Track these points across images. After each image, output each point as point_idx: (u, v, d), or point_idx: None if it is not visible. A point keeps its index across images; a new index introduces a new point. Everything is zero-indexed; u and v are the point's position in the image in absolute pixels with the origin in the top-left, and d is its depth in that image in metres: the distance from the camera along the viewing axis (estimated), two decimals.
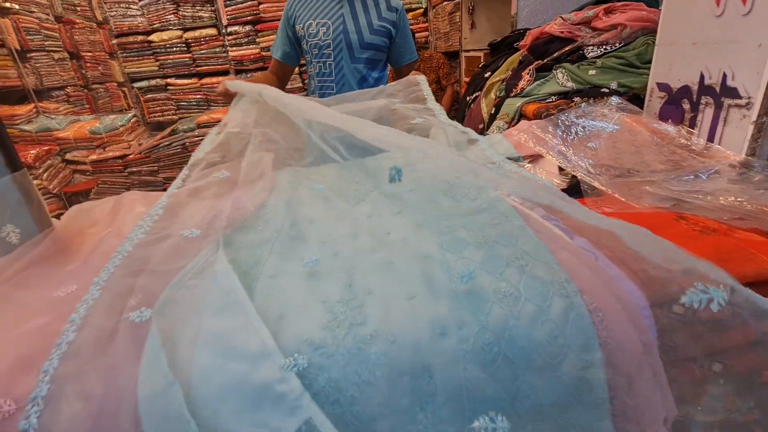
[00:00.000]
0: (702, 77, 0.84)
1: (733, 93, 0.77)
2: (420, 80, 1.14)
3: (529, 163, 0.86)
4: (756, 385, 0.47)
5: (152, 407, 0.41)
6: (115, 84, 5.23)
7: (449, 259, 0.52)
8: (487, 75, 1.47)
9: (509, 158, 0.86)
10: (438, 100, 3.14)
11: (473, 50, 2.72)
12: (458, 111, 1.59)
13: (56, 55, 4.13)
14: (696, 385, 0.46)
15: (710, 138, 0.84)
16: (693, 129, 0.88)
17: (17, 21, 3.60)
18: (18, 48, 3.57)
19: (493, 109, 1.30)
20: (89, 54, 4.82)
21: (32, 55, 3.79)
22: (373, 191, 0.78)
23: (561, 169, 0.83)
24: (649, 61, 1.00)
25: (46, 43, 4.01)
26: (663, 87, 0.95)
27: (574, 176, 0.78)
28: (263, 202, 0.76)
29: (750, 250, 0.47)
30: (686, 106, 0.90)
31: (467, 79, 2.81)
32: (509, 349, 0.42)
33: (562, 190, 0.76)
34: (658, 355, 0.43)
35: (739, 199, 0.62)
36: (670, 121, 0.93)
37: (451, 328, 0.43)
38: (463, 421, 0.41)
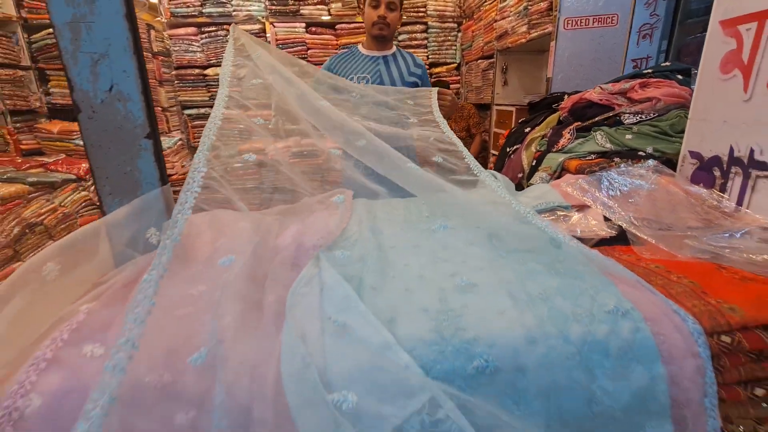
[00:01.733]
0: (731, 150, 0.96)
1: (762, 166, 0.89)
2: (432, 91, 1.38)
3: (576, 212, 0.98)
4: None
5: (294, 383, 0.51)
6: (160, 109, 5.59)
7: (528, 285, 0.63)
8: (527, 130, 1.63)
9: (560, 207, 0.99)
10: (467, 146, 3.34)
11: (504, 104, 2.93)
12: (498, 159, 1.74)
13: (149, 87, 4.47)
14: (740, 406, 0.55)
15: (739, 202, 0.95)
16: (723, 193, 0.99)
17: None
18: None
19: (534, 161, 1.44)
20: None
21: None
22: (443, 226, 0.89)
23: (606, 219, 0.94)
24: (682, 131, 1.13)
25: None
26: (695, 155, 1.08)
27: (619, 226, 0.89)
28: (347, 226, 0.89)
29: None
30: (717, 173, 1.02)
31: (497, 130, 3.00)
32: (588, 359, 0.52)
33: (611, 238, 0.87)
34: (712, 378, 0.52)
35: None
36: (701, 185, 1.05)
37: (539, 338, 0.53)
38: (549, 414, 0.50)
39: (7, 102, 3.25)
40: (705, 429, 0.52)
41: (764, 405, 0.54)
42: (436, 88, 1.42)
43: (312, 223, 0.93)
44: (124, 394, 0.49)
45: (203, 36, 3.67)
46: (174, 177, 3.43)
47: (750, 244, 0.79)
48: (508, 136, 1.76)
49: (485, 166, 1.75)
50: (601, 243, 0.86)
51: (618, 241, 0.88)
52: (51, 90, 3.65)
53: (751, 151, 0.91)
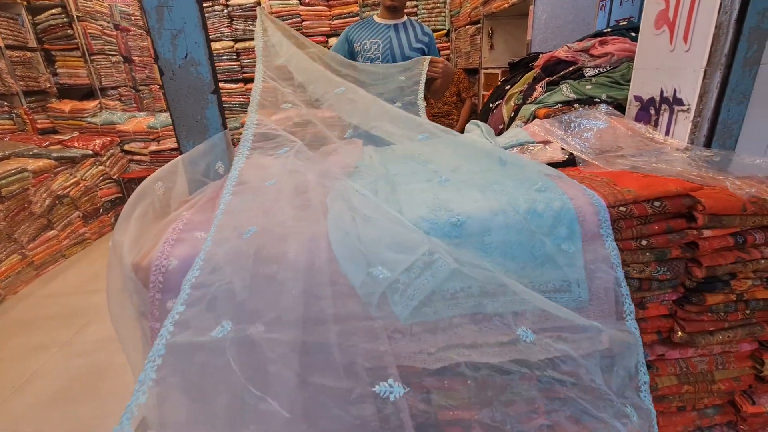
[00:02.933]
0: (662, 91, 1.22)
1: (680, 102, 1.15)
2: (425, 59, 1.62)
3: (540, 144, 1.24)
4: (668, 257, 0.83)
5: (340, 246, 0.78)
6: (158, 86, 5.72)
7: (495, 188, 0.90)
8: (507, 87, 1.87)
9: (527, 142, 1.25)
10: (458, 111, 3.56)
11: (491, 68, 3.14)
12: (482, 114, 1.98)
13: (113, 59, 4.60)
14: (632, 253, 0.83)
15: (667, 132, 1.21)
16: (656, 127, 1.25)
17: (85, 27, 4.07)
18: (85, 50, 4.03)
19: (513, 113, 1.69)
20: (138, 58, 5.32)
21: (95, 57, 4.25)
22: (434, 158, 1.16)
23: (563, 149, 1.20)
24: (629, 80, 1.38)
25: (106, 47, 4.47)
26: (638, 98, 1.33)
27: (571, 153, 1.16)
28: (360, 161, 1.15)
29: (666, 182, 0.84)
30: (652, 111, 1.27)
31: (486, 92, 3.22)
32: (532, 221, 0.79)
33: (564, 161, 1.14)
34: (610, 230, 0.80)
35: (674, 167, 0.99)
36: (642, 122, 1.31)
37: (499, 212, 0.81)
38: (505, 258, 0.78)
39: (20, 83, 3.42)
40: (605, 263, 0.80)
41: (648, 253, 0.83)
42: (428, 57, 1.64)
43: (334, 160, 1.19)
44: (227, 252, 0.76)
45: None
46: None
47: (662, 158, 1.06)
48: (491, 93, 2.00)
49: (484, 122, 2.02)
50: (556, 166, 1.13)
51: (570, 163, 1.15)
52: (58, 70, 3.80)
53: (674, 91, 1.17)
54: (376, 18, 2.00)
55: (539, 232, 0.79)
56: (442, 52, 4.02)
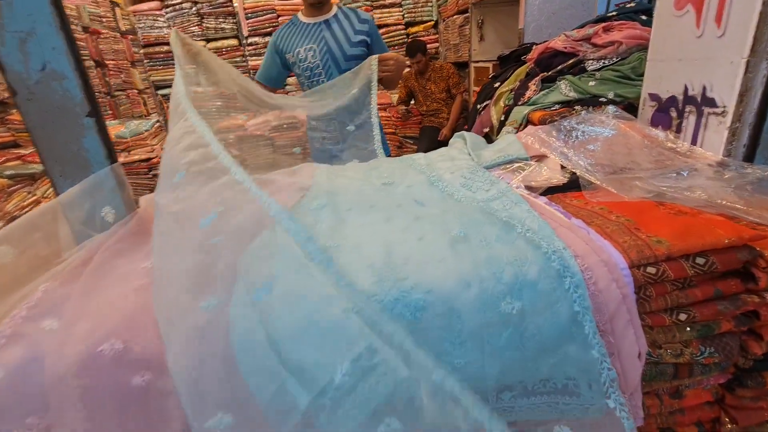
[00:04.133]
0: (686, 89, 0.96)
1: (711, 102, 0.89)
2: (373, 63, 1.39)
3: (535, 161, 0.99)
4: (715, 332, 0.59)
5: (243, 351, 0.54)
6: (136, 91, 5.46)
7: (470, 234, 0.65)
8: (496, 85, 1.61)
9: (519, 159, 1.00)
10: (448, 108, 3.29)
11: (482, 61, 2.87)
12: (468, 117, 1.72)
13: (84, 64, 4.33)
14: (665, 331, 0.58)
15: (693, 141, 0.96)
16: (678, 134, 1.00)
17: None
18: None
19: (503, 116, 1.43)
20: (113, 62, 5.05)
21: None
22: (401, 185, 0.91)
23: (563, 167, 0.95)
24: (642, 74, 1.13)
25: None
26: (654, 97, 1.08)
27: (573, 173, 0.91)
28: (306, 195, 0.90)
29: (711, 226, 0.60)
30: (673, 113, 1.02)
31: (476, 89, 2.95)
32: (518, 297, 0.55)
33: (563, 185, 0.88)
34: (634, 304, 0.55)
35: (711, 194, 0.74)
36: (659, 127, 1.05)
37: (474, 282, 0.56)
38: (483, 352, 0.54)
39: None
40: (630, 352, 0.55)
41: (688, 329, 0.58)
42: (376, 57, 1.39)
43: (273, 194, 0.94)
44: (84, 361, 0.52)
45: (168, 10, 3.52)
46: (155, 161, 3.39)
47: (695, 181, 0.80)
48: (479, 93, 1.74)
49: (470, 127, 1.75)
50: (555, 190, 0.88)
51: (572, 187, 0.90)
52: None
53: (703, 88, 0.91)
54: (302, 17, 1.67)
55: (532, 311, 0.54)
56: (430, 46, 3.74)
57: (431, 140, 3.20)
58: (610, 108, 1.11)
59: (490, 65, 2.68)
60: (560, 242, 0.59)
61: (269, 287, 0.59)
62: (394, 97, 3.63)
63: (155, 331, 0.56)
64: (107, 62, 4.94)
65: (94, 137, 0.73)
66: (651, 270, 0.56)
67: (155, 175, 3.43)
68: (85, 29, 4.54)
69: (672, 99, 1.02)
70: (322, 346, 0.53)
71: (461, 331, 0.54)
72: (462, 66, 3.38)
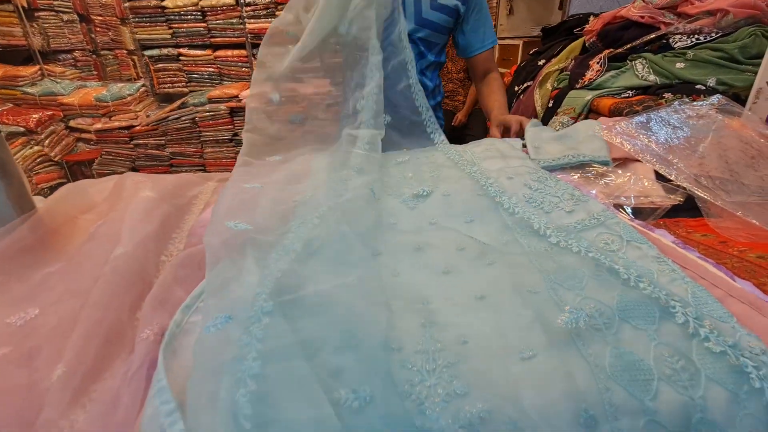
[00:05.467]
0: None
1: None
2: None
3: (617, 165, 0.71)
4: None
5: None
6: (125, 51, 5.05)
7: (567, 298, 0.37)
8: (540, 62, 1.31)
9: (596, 161, 0.71)
10: (465, 90, 2.97)
11: (510, 38, 2.54)
12: None
13: (65, 17, 3.95)
14: None
15: None
16: None
17: None
18: (25, 5, 3.39)
19: (551, 101, 1.14)
20: (99, 18, 4.64)
21: (40, 14, 3.62)
22: (435, 191, 0.63)
23: (658, 178, 0.67)
24: (757, 56, 0.84)
25: (55, 2, 3.82)
26: None
27: (684, 189, 0.63)
28: (300, 197, 0.61)
29: None
30: None
31: (502, 70, 2.63)
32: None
33: (673, 206, 0.61)
34: None
35: None
36: None
37: (601, 415, 0.29)
38: None
39: None
40: None
41: None
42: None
43: (252, 195, 0.66)
44: None
45: None
46: (137, 129, 3.07)
47: None
48: (516, 71, 1.44)
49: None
50: (663, 216, 0.60)
51: (680, 211, 0.62)
52: None
53: None
54: None
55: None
56: None
57: (444, 125, 2.89)
58: (715, 98, 0.82)
59: (519, 43, 2.36)
60: (753, 338, 0.32)
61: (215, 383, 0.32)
62: None
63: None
64: (93, 17, 4.54)
65: None
66: None
67: (137, 145, 3.11)
68: None
69: None
70: None
71: None
72: None
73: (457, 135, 2.86)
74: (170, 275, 0.43)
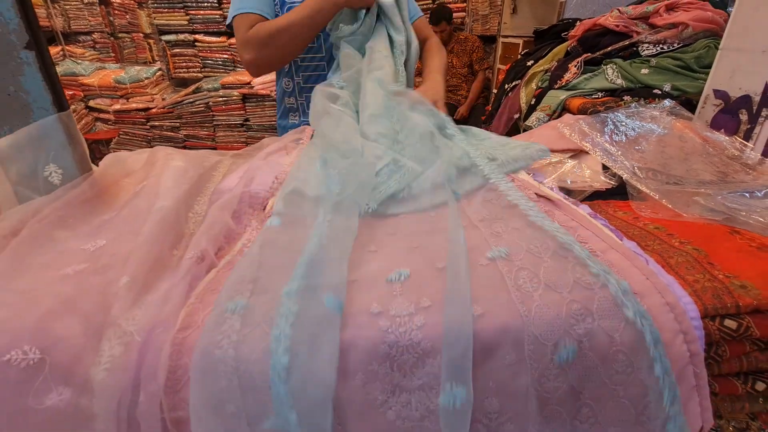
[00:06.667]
0: (767, 87, 0.80)
1: None
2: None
3: (570, 158, 0.84)
4: None
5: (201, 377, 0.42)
6: (142, 35, 5.18)
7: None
8: (529, 63, 1.42)
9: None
10: (468, 85, 3.07)
11: (512, 36, 2.64)
12: (495, 98, 1.55)
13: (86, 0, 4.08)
14: (735, 401, 0.45)
15: (765, 153, 0.80)
16: (748, 142, 0.84)
17: None
18: None
19: (533, 99, 1.26)
20: (118, 1, 4.77)
21: None
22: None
23: (605, 168, 0.80)
24: (708, 66, 0.96)
25: None
26: (720, 94, 0.91)
27: (619, 177, 0.76)
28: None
29: None
30: (743, 116, 0.86)
31: (503, 67, 2.74)
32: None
33: (607, 189, 0.74)
34: (703, 365, 0.42)
35: None
36: (722, 130, 0.89)
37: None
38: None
39: None
40: (692, 425, 0.43)
41: (761, 400, 0.45)
42: None
43: (265, 166, 0.80)
44: None
45: None
46: (153, 111, 3.22)
47: None
48: (508, 70, 1.56)
49: (495, 109, 1.54)
50: (596, 195, 0.73)
51: (616, 194, 0.75)
52: None
53: None
54: None
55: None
56: (456, 15, 3.45)
57: None
58: (666, 102, 0.94)
59: (520, 42, 2.45)
60: (612, 277, 0.45)
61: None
62: None
63: (83, 334, 0.44)
64: (112, 0, 4.67)
65: (36, 76, 0.58)
66: (730, 324, 0.43)
67: (153, 126, 3.26)
68: None
69: (744, 99, 0.85)
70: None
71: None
72: (489, 40, 3.13)
73: None
74: (210, 218, 0.58)
